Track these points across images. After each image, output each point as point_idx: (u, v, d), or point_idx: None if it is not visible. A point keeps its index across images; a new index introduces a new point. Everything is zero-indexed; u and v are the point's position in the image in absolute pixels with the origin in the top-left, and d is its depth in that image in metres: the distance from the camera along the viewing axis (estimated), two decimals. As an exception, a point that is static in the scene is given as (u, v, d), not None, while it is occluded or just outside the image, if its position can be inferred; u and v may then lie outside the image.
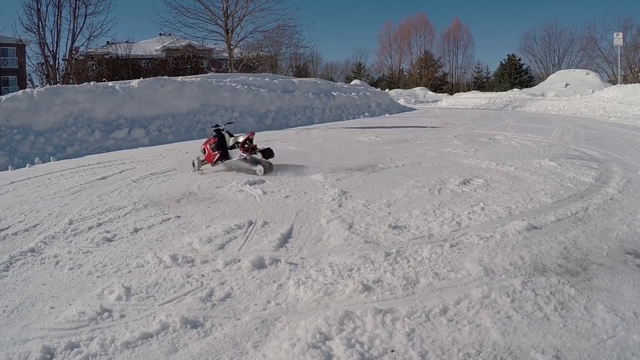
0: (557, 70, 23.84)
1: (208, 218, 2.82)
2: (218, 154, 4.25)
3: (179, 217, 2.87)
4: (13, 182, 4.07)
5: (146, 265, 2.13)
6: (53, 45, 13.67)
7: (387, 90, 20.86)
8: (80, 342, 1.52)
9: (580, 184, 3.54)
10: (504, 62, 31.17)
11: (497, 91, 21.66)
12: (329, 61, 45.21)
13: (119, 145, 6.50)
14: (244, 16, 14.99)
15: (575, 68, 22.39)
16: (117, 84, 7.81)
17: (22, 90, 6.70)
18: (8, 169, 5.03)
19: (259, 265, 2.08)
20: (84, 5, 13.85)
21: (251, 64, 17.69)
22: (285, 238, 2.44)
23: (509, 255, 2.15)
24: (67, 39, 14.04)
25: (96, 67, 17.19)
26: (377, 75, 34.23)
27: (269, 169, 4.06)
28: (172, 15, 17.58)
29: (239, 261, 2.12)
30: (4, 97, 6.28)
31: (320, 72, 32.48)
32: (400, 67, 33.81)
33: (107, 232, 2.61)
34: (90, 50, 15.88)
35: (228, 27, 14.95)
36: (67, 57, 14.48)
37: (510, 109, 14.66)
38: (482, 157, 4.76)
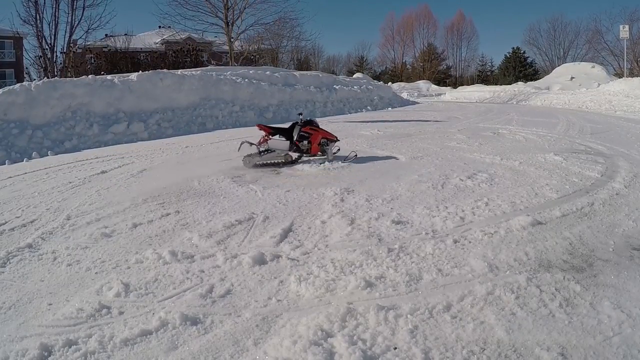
0: (563, 63, 23.48)
1: (208, 213, 2.79)
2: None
3: (178, 212, 2.84)
4: (10, 177, 4.04)
5: (145, 261, 2.10)
6: (51, 38, 13.54)
7: (389, 83, 20.65)
8: (79, 339, 1.50)
9: (585, 179, 3.49)
10: (508, 55, 30.77)
11: (501, 84, 21.40)
12: (330, 54, 44.98)
13: (118, 139, 6.45)
14: (245, 8, 14.79)
15: (581, 61, 22.02)
16: (115, 78, 7.73)
17: (19, 84, 6.63)
18: (5, 164, 5.01)
19: (260, 261, 2.06)
20: (82, -3, 13.65)
21: (252, 57, 17.51)
22: (287, 233, 2.42)
23: (513, 251, 2.12)
24: (65, 32, 13.92)
25: (94, 60, 17.06)
26: (379, 69, 33.94)
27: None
28: (171, 8, 17.40)
29: (240, 257, 2.10)
30: (0, 90, 6.22)
31: (322, 66, 32.20)
32: (403, 60, 33.48)
33: (106, 227, 2.58)
34: (88, 43, 15.72)
35: (228, 19, 14.76)
36: (65, 50, 14.35)
37: (514, 103, 14.50)
38: (486, 152, 4.70)
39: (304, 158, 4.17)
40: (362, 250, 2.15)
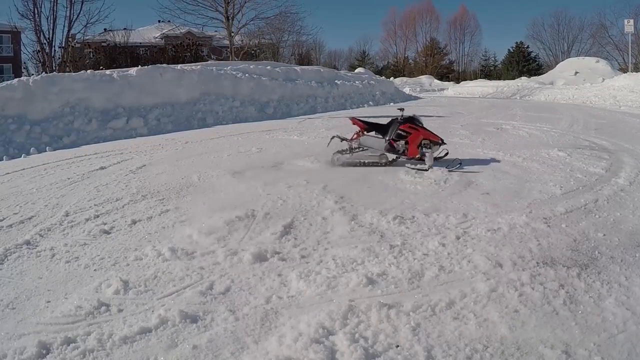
0: (567, 58, 23.24)
1: (208, 209, 2.77)
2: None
3: (178, 208, 2.82)
4: (8, 173, 4.01)
5: (145, 258, 2.09)
6: (49, 32, 13.43)
7: (392, 78, 20.46)
8: (77, 337, 1.49)
9: (589, 175, 3.46)
10: (511, 50, 30.49)
11: (504, 80, 21.20)
12: (332, 49, 44.45)
13: (117, 135, 6.41)
14: (245, 2, 14.63)
15: (585, 56, 21.74)
16: (114, 72, 7.66)
17: (17, 79, 6.57)
18: (3, 160, 4.96)
19: (261, 257, 2.04)
20: (81, -9, 13.49)
21: (252, 52, 17.37)
22: (287, 230, 2.40)
23: (516, 248, 2.10)
24: (64, 26, 13.81)
25: (93, 55, 16.93)
26: (381, 64, 33.67)
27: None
28: (171, 2, 17.17)
29: (240, 254, 2.08)
30: (-1, 85, 6.17)
31: (323, 60, 31.95)
32: (406, 55, 33.19)
33: (105, 224, 2.56)
34: (87, 37, 15.60)
35: (229, 13, 14.60)
36: (63, 45, 14.24)
37: (518, 98, 14.39)
38: (489, 147, 4.65)
39: (403, 160, 3.59)
40: (363, 247, 2.13)
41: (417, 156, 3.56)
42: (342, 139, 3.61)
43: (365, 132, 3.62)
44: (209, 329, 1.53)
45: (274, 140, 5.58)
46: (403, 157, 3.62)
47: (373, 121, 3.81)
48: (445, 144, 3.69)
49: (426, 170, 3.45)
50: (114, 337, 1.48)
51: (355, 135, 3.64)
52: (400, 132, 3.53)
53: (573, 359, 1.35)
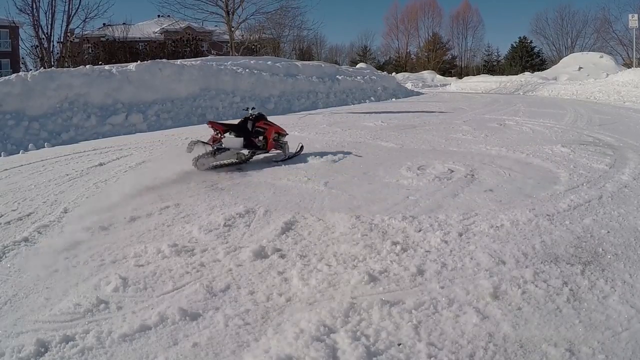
0: (570, 53, 22.98)
1: (208, 206, 2.76)
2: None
3: (178, 205, 2.80)
4: (6, 170, 3.99)
5: (144, 255, 2.07)
6: (47, 27, 13.31)
7: (393, 74, 20.29)
8: (76, 335, 1.48)
9: (593, 171, 3.43)
10: (514, 45, 30.16)
11: (507, 75, 20.99)
12: (333, 44, 44.22)
13: (116, 131, 6.38)
14: (246, -3, 14.41)
15: (589, 51, 21.53)
16: (114, 68, 7.60)
17: (15, 74, 6.53)
18: (1, 156, 4.96)
19: (261, 254, 2.03)
20: (80, -14, 13.34)
21: (253, 47, 17.21)
22: (288, 226, 2.38)
23: (519, 245, 2.08)
24: (62, 21, 13.69)
25: (92, 50, 16.82)
26: (383, 59, 33.35)
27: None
28: (171, -4, 16.89)
29: (240, 250, 2.06)
30: (-3, 81, 6.12)
31: (324, 55, 31.64)
32: (408, 50, 32.85)
33: (104, 221, 2.54)
34: (86, 32, 15.49)
35: (229, 8, 14.42)
36: (62, 40, 14.15)
37: (521, 94, 14.28)
38: (492, 143, 4.62)
39: (259, 156, 3.87)
40: (365, 244, 2.11)
41: (273, 149, 3.91)
42: (205, 143, 3.63)
43: (223, 134, 3.72)
44: (209, 327, 1.52)
45: (274, 136, 5.54)
46: (261, 151, 3.87)
47: (227, 122, 4.12)
48: (287, 134, 4.06)
49: (286, 159, 3.87)
50: (113, 335, 1.47)
51: (214, 137, 3.70)
52: (258, 129, 3.83)
53: (577, 357, 1.33)
